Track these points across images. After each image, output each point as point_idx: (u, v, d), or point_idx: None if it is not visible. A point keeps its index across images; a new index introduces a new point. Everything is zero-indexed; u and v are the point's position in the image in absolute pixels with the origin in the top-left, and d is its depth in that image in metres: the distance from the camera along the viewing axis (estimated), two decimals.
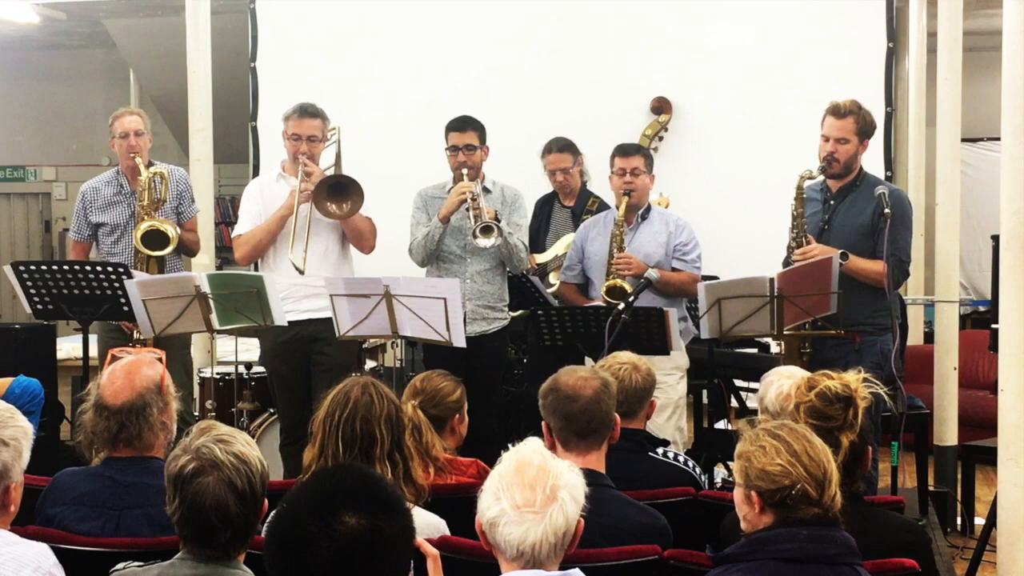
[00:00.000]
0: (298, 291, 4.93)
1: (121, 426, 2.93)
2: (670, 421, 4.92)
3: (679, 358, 5.00)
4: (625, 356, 3.59)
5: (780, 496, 2.38)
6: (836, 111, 4.61)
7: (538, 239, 5.74)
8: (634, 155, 5.05)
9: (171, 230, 5.14)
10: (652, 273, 4.84)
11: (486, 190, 5.12)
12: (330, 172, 5.08)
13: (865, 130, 4.64)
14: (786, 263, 4.71)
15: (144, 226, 5.15)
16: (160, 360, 3.09)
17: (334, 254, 5.08)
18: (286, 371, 5.04)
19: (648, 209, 5.13)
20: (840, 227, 4.65)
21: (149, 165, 5.38)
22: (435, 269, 5.15)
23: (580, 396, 3.01)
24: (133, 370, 3.00)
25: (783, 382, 3.33)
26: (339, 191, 4.87)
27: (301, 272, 4.82)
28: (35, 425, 3.33)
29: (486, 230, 4.86)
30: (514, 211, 5.15)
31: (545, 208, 5.82)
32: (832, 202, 4.71)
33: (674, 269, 5.04)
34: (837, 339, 4.46)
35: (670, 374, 4.93)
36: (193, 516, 2.26)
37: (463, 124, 5.10)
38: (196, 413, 5.43)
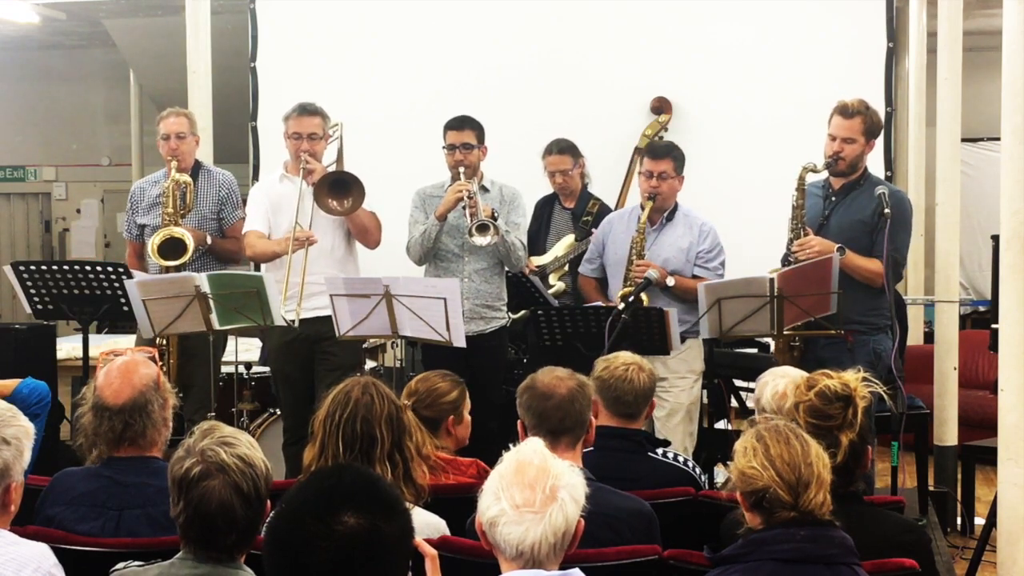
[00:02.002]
0: (307, 289, 4.92)
1: (125, 425, 2.94)
2: (680, 426, 4.89)
3: (694, 362, 4.97)
4: (628, 356, 3.57)
5: (755, 498, 2.40)
6: (844, 111, 4.61)
7: (538, 240, 5.73)
8: (663, 158, 4.96)
9: (188, 237, 5.06)
10: (651, 273, 4.82)
11: (484, 189, 5.12)
12: (332, 169, 5.09)
13: (872, 130, 4.65)
14: (785, 256, 4.72)
15: (158, 238, 5.07)
16: (152, 359, 3.10)
17: (340, 251, 5.08)
18: (291, 370, 5.04)
19: (674, 210, 5.06)
20: (839, 224, 4.66)
21: (197, 167, 5.34)
22: (433, 268, 5.15)
23: (554, 394, 3.03)
24: (130, 369, 3.01)
25: (778, 381, 3.35)
26: (340, 187, 4.87)
27: (294, 325, 4.79)
28: (40, 428, 3.33)
29: (482, 228, 4.87)
30: (512, 210, 5.15)
31: (546, 209, 5.81)
32: (834, 199, 4.71)
33: (696, 276, 4.97)
34: (830, 338, 4.46)
35: (684, 377, 4.91)
36: (198, 519, 2.26)
37: (461, 123, 5.10)
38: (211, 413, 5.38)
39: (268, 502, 2.34)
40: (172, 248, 5.06)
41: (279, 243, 4.95)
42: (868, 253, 4.58)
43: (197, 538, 2.28)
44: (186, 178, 5.18)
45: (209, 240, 5.26)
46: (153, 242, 5.08)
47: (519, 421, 3.10)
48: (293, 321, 4.80)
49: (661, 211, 5.03)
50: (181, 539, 2.32)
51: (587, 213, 5.63)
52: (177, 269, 5.03)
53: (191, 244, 5.06)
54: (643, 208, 4.96)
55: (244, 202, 5.37)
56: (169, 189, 5.13)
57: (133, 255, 5.47)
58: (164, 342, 4.93)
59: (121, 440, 2.95)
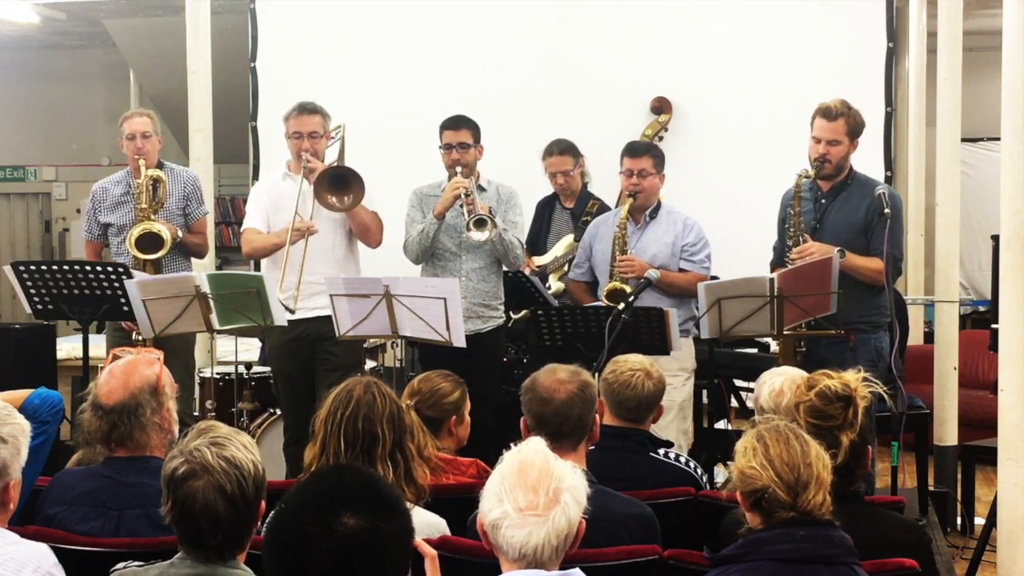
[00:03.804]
0: (307, 289, 4.92)
1: (112, 426, 2.93)
2: (673, 424, 4.89)
3: (686, 360, 4.98)
4: (637, 361, 3.56)
5: (755, 498, 2.40)
6: (827, 113, 4.61)
7: (539, 241, 5.74)
8: (643, 156, 5.02)
9: (165, 232, 5.11)
10: (652, 273, 4.83)
11: (481, 188, 5.12)
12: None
13: (855, 130, 4.65)
14: (778, 263, 4.72)
15: (137, 230, 5.12)
16: (159, 360, 3.09)
17: (340, 251, 5.08)
18: (291, 370, 5.04)
19: (657, 208, 5.10)
20: (833, 226, 4.66)
21: (160, 166, 5.37)
22: (430, 267, 5.15)
23: (553, 399, 3.01)
24: (130, 370, 3.00)
25: (775, 379, 3.35)
26: (340, 184, 4.87)
27: (292, 312, 4.80)
28: (52, 434, 3.32)
29: (479, 223, 4.87)
30: (509, 209, 5.15)
31: (546, 210, 5.81)
32: (823, 201, 4.72)
33: (682, 270, 5.01)
34: (831, 338, 4.46)
35: (676, 375, 4.91)
36: (183, 519, 2.27)
37: (457, 123, 5.11)
38: (196, 413, 5.42)
39: (263, 503, 2.34)
40: (150, 242, 5.10)
41: (279, 235, 4.96)
42: (864, 253, 4.59)
43: (184, 537, 2.29)
44: (159, 173, 5.25)
45: (180, 234, 5.29)
46: (132, 234, 5.12)
47: (522, 419, 3.09)
48: (292, 311, 4.79)
49: (644, 209, 5.06)
50: (177, 538, 2.33)
51: (587, 213, 5.63)
52: (154, 263, 5.09)
53: (168, 239, 5.12)
54: (622, 207, 4.99)
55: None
56: (143, 185, 5.18)
57: (92, 255, 5.48)
58: (141, 339, 4.92)
59: (109, 440, 2.95)
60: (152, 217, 5.17)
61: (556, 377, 3.07)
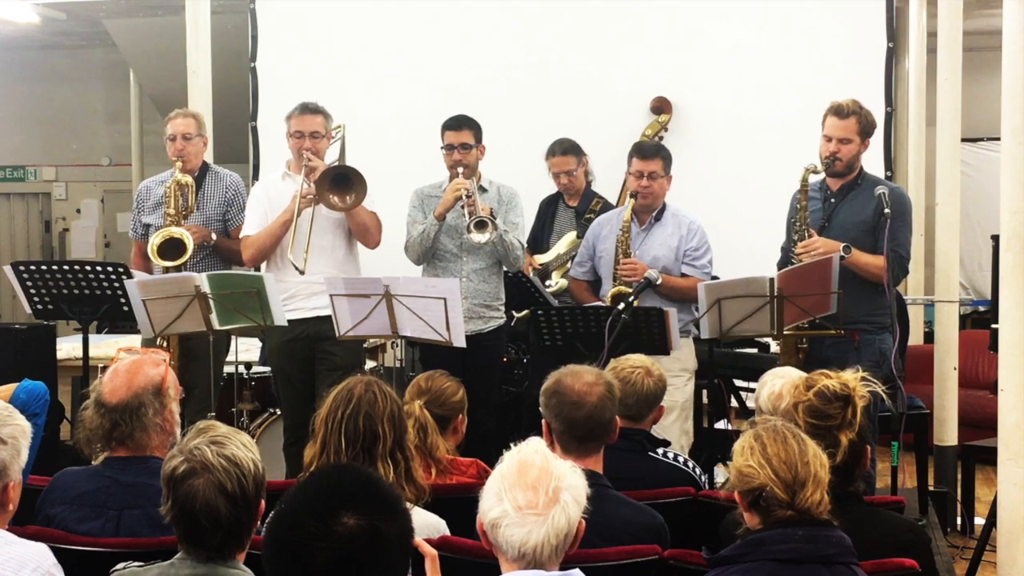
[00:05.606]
0: (306, 288, 4.93)
1: (114, 424, 2.93)
2: (676, 424, 4.90)
3: (687, 360, 4.98)
4: (638, 360, 3.57)
5: (753, 497, 2.40)
6: (839, 111, 4.61)
7: (542, 239, 5.74)
8: (652, 158, 4.99)
9: (187, 237, 5.05)
10: (651, 273, 4.82)
11: (482, 189, 5.12)
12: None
13: (867, 129, 4.66)
14: (785, 262, 4.72)
15: (157, 239, 5.05)
16: (165, 361, 3.09)
17: (340, 251, 5.07)
18: (291, 370, 5.04)
19: (663, 210, 5.08)
20: (841, 224, 4.66)
21: (205, 168, 5.33)
22: (431, 268, 5.15)
23: (585, 403, 2.99)
24: (134, 369, 2.99)
25: (775, 382, 3.36)
26: (342, 183, 4.86)
27: (301, 272, 4.81)
28: (40, 426, 3.33)
29: (480, 225, 4.87)
30: (510, 210, 5.15)
31: (550, 208, 5.82)
32: (833, 200, 4.72)
33: (684, 274, 4.99)
34: (835, 338, 4.46)
35: (678, 376, 4.90)
36: (184, 518, 2.27)
37: (458, 123, 5.10)
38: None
39: (263, 502, 2.34)
40: (172, 248, 5.06)
41: (283, 214, 4.93)
42: (872, 252, 4.58)
43: (184, 536, 2.30)
44: (187, 179, 5.18)
45: (214, 237, 5.25)
46: (153, 243, 5.07)
47: (544, 421, 3.07)
48: (302, 272, 4.78)
49: (650, 211, 5.05)
50: (176, 538, 2.33)
51: (590, 211, 5.64)
52: (177, 270, 5.02)
53: (190, 244, 5.05)
54: (625, 208, 4.98)
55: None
56: (171, 190, 5.13)
57: (139, 254, 5.44)
58: (165, 343, 4.92)
59: (110, 439, 2.95)
60: (180, 223, 5.09)
61: (584, 380, 3.04)
